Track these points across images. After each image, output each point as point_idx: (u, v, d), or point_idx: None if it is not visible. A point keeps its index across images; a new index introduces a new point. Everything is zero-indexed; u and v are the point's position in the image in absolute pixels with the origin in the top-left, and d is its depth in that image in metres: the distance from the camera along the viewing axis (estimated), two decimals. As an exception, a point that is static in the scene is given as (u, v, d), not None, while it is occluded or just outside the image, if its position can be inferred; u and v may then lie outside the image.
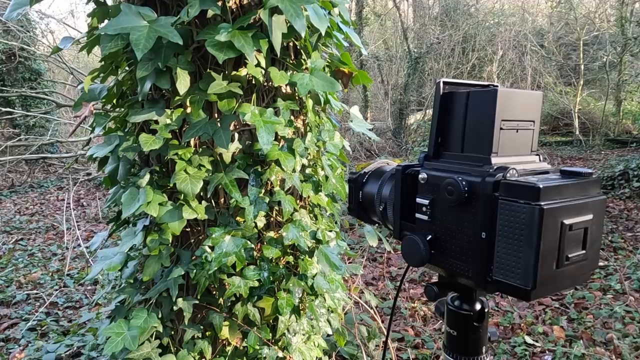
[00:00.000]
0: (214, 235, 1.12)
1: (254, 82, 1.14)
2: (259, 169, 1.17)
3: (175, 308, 1.17)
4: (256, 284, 1.16)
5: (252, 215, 1.14)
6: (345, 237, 3.82)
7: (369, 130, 1.39)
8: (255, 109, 1.10)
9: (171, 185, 1.11)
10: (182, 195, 1.09)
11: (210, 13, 1.05)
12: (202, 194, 1.15)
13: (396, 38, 10.80)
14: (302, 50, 1.23)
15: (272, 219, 1.24)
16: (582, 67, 9.63)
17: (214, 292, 1.22)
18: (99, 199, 5.72)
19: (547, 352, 2.14)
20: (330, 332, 1.41)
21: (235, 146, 1.16)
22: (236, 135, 1.17)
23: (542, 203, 0.47)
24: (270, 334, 1.23)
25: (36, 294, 2.95)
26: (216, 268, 1.10)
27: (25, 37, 7.61)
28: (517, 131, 0.57)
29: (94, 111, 1.22)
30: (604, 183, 5.01)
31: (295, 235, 1.18)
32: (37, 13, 8.25)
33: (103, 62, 1.18)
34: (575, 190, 0.51)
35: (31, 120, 8.45)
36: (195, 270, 1.14)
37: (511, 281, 0.50)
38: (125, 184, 1.19)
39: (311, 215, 1.32)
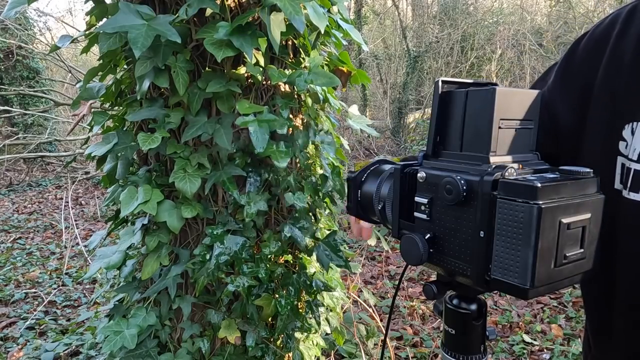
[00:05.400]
0: (212, 233, 1.12)
1: (252, 80, 1.14)
2: (258, 167, 1.17)
3: (174, 307, 1.17)
4: (255, 282, 1.16)
5: (251, 214, 1.14)
6: (344, 236, 3.82)
7: (368, 126, 1.39)
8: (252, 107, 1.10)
9: (170, 183, 1.11)
10: (181, 193, 1.09)
11: (208, 11, 1.04)
12: (200, 192, 1.15)
13: (395, 37, 10.78)
14: (300, 49, 1.23)
15: (270, 217, 1.24)
16: (581, 66, 9.62)
17: (213, 291, 1.22)
18: (97, 197, 5.71)
19: (545, 350, 2.14)
20: (328, 331, 1.41)
21: (233, 144, 1.15)
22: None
23: (540, 202, 0.47)
24: (269, 333, 1.23)
25: (34, 292, 2.94)
26: (214, 266, 1.10)
27: (23, 35, 7.60)
28: (515, 130, 0.57)
29: (93, 110, 1.21)
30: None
31: (293, 233, 1.18)
32: (35, 11, 8.23)
33: (101, 61, 1.18)
34: (574, 189, 0.51)
35: (29, 118, 8.44)
36: (194, 269, 1.14)
37: (509, 280, 0.50)
38: (124, 183, 1.19)
39: (310, 213, 1.32)
